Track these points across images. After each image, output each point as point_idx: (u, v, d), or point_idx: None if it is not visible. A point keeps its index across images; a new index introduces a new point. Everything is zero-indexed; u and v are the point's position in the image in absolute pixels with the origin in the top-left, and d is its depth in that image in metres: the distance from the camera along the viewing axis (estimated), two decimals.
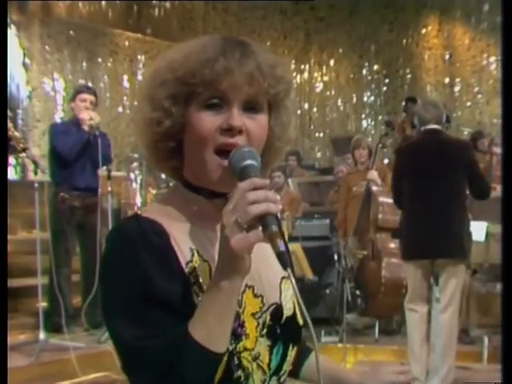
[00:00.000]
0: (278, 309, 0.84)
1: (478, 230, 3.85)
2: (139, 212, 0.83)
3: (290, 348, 0.86)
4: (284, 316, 0.85)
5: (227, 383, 0.78)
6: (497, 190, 4.80)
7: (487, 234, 3.88)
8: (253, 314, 0.81)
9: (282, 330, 0.84)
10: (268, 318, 0.83)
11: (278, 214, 0.75)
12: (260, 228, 0.71)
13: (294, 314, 0.87)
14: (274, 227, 0.70)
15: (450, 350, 3.08)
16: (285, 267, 0.70)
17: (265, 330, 0.82)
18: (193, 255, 0.80)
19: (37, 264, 3.55)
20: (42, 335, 3.52)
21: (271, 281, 0.86)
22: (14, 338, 3.67)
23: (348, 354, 3.79)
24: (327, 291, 4.65)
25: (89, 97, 4.00)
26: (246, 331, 0.80)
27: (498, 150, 5.26)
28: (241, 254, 0.72)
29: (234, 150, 0.78)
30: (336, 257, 4.62)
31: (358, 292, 4.26)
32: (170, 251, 0.79)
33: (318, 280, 4.48)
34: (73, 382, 3.31)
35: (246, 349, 0.80)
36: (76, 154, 3.86)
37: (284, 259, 0.70)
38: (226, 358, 0.76)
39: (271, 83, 0.81)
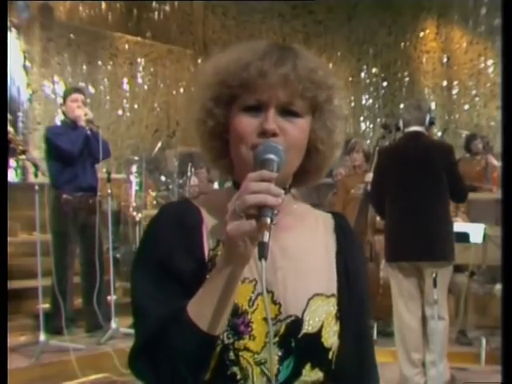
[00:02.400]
0: (295, 322, 0.83)
1: (476, 232, 3.86)
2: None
3: (308, 367, 0.83)
4: (302, 331, 0.83)
5: (222, 376, 0.80)
6: (494, 192, 4.84)
7: (485, 236, 3.89)
8: (266, 320, 0.80)
9: (298, 345, 0.82)
10: (283, 328, 0.82)
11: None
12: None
13: (319, 333, 0.84)
14: (266, 218, 0.71)
15: (443, 348, 3.09)
16: (260, 257, 0.71)
17: (276, 339, 0.82)
18: (217, 245, 0.83)
19: (37, 266, 3.56)
20: (42, 337, 3.53)
21: (298, 294, 0.84)
22: (14, 340, 3.68)
23: None
24: None
25: (79, 96, 4.06)
26: (251, 332, 0.81)
27: (492, 158, 5.28)
28: (235, 240, 0.73)
29: (262, 143, 0.80)
30: None
31: None
32: (198, 235, 0.84)
33: None
34: (73, 383, 3.31)
35: (247, 349, 0.80)
36: (79, 149, 3.89)
37: (262, 249, 0.71)
38: (218, 348, 0.79)
39: (307, 86, 0.81)
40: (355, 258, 0.92)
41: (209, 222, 0.86)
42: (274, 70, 0.81)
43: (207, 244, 0.84)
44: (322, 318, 0.84)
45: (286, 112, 0.82)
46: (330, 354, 0.85)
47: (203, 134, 0.87)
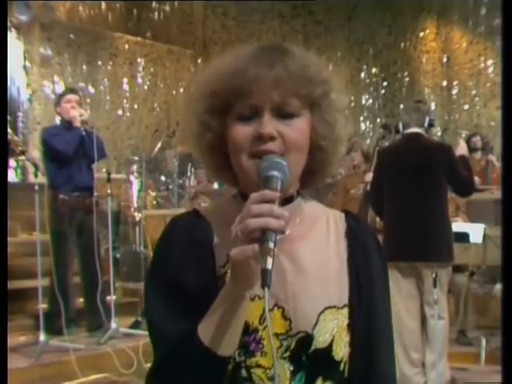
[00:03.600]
0: (305, 338, 0.81)
1: (476, 232, 3.86)
2: (197, 207, 0.90)
3: (319, 381, 0.83)
4: (312, 347, 0.82)
5: None
6: (493, 192, 4.84)
7: (484, 236, 3.89)
8: (277, 335, 0.81)
9: (309, 360, 0.82)
10: (294, 343, 0.81)
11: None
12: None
13: (329, 348, 0.83)
14: (269, 243, 0.69)
15: (444, 348, 3.09)
16: (263, 285, 0.69)
17: (287, 354, 0.81)
18: (227, 261, 0.80)
19: (37, 266, 3.56)
20: (42, 337, 3.54)
21: (308, 309, 0.82)
22: (14, 340, 3.68)
23: None
24: None
25: (73, 97, 4.07)
26: (262, 349, 0.80)
27: (492, 157, 5.28)
28: (239, 265, 0.71)
29: (265, 157, 0.77)
30: None
31: None
32: (209, 251, 0.83)
33: None
34: (73, 383, 3.31)
35: (259, 365, 0.80)
36: (74, 149, 3.91)
37: (265, 277, 0.69)
38: (230, 366, 0.78)
39: (300, 84, 0.79)
40: (368, 262, 0.89)
41: (218, 236, 0.84)
42: (266, 73, 0.79)
43: (218, 260, 0.83)
44: (333, 332, 0.83)
45: (282, 114, 0.80)
46: (342, 365, 0.84)
47: (202, 148, 0.86)
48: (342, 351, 0.84)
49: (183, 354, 0.77)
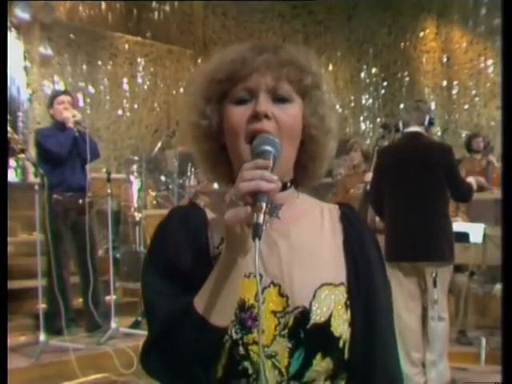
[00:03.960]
0: (303, 313, 0.82)
1: (476, 232, 3.87)
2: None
3: (318, 357, 0.82)
4: (311, 322, 0.82)
5: (234, 371, 0.81)
6: (494, 192, 4.84)
7: (484, 236, 3.90)
8: (274, 312, 0.82)
9: (307, 336, 0.82)
10: (291, 319, 0.82)
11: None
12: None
13: (328, 322, 0.83)
14: (261, 203, 0.72)
15: (444, 348, 3.09)
16: (254, 237, 0.71)
17: (286, 331, 0.82)
18: (221, 243, 0.84)
19: (37, 266, 3.57)
20: (42, 337, 3.54)
21: (304, 285, 0.84)
22: (14, 340, 3.68)
23: None
24: None
25: (65, 98, 4.09)
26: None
27: (493, 157, 5.29)
28: (233, 227, 0.74)
29: (258, 135, 0.81)
30: None
31: None
32: (204, 235, 0.87)
33: None
34: (73, 383, 3.32)
35: (256, 342, 0.80)
36: (67, 150, 3.92)
37: (256, 230, 0.71)
38: (227, 344, 0.79)
39: (291, 70, 0.84)
40: (364, 247, 0.90)
41: (213, 222, 0.88)
42: (256, 57, 0.84)
43: (212, 242, 0.86)
44: (330, 307, 0.83)
45: (276, 99, 0.84)
46: (341, 342, 0.84)
47: (198, 137, 0.88)
48: (340, 327, 0.83)
49: (179, 324, 0.78)
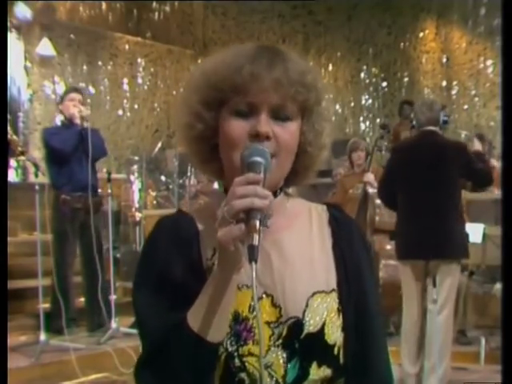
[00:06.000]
0: (297, 323, 0.82)
1: (475, 231, 3.87)
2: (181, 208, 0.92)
3: (314, 366, 0.83)
4: (304, 332, 0.82)
5: (230, 383, 0.81)
6: (493, 192, 4.84)
7: (484, 236, 3.90)
8: (268, 323, 0.82)
9: (302, 346, 0.82)
10: (285, 330, 0.82)
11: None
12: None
13: (321, 331, 0.83)
14: (255, 221, 0.71)
15: (446, 350, 3.09)
16: (250, 260, 0.70)
17: (280, 341, 0.82)
18: (214, 254, 0.83)
19: (37, 266, 3.57)
20: (42, 336, 3.55)
21: (296, 295, 0.84)
22: (14, 339, 3.69)
23: None
24: None
25: (76, 96, 4.09)
26: (254, 337, 0.81)
27: (495, 161, 5.29)
28: (226, 246, 0.73)
29: (247, 145, 0.79)
30: None
31: None
32: (195, 245, 0.86)
33: None
34: (73, 383, 3.32)
35: (251, 354, 0.81)
36: (72, 147, 3.89)
37: (252, 253, 0.70)
38: (222, 356, 0.79)
39: (299, 90, 0.82)
40: (353, 250, 0.90)
41: (204, 232, 0.86)
42: (266, 74, 0.80)
43: (204, 254, 0.85)
44: (323, 316, 0.84)
45: (277, 116, 0.82)
46: (335, 349, 0.84)
47: (191, 138, 0.87)
48: (334, 335, 0.84)
49: (173, 341, 0.77)
